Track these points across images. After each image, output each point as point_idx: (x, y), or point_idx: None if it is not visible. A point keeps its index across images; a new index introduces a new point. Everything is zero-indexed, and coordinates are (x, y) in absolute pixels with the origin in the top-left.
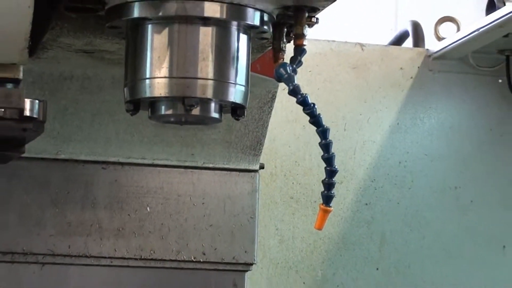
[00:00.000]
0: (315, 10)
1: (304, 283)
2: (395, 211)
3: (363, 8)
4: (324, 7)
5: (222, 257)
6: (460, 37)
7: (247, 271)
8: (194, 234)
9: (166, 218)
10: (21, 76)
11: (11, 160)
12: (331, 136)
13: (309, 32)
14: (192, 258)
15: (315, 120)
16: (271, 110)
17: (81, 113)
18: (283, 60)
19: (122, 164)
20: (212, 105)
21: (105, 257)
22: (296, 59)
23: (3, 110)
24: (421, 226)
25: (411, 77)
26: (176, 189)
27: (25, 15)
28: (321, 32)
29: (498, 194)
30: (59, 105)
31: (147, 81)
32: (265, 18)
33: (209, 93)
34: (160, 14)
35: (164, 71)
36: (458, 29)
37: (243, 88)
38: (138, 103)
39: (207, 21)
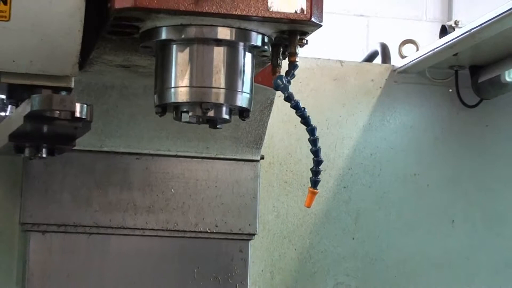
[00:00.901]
0: (305, 33)
1: (295, 249)
2: (367, 193)
3: (343, 33)
4: (312, 31)
5: (231, 229)
6: (418, 56)
7: (250, 239)
8: (208, 210)
9: (187, 198)
10: (72, 85)
11: (65, 152)
12: (316, 133)
13: (300, 51)
14: (207, 229)
15: (305, 120)
16: (270, 112)
17: (119, 115)
18: (280, 73)
19: (152, 155)
20: (224, 108)
21: (138, 229)
22: (290, 73)
23: (58, 112)
24: (387, 205)
25: (380, 87)
26: (194, 175)
27: (76, 37)
28: (309, 51)
29: (448, 179)
30: (102, 109)
31: (172, 89)
32: (266, 40)
33: (221, 99)
34: (183, 36)
35: (185, 81)
36: (417, 49)
37: (248, 95)
38: (165, 107)
39: (219, 42)
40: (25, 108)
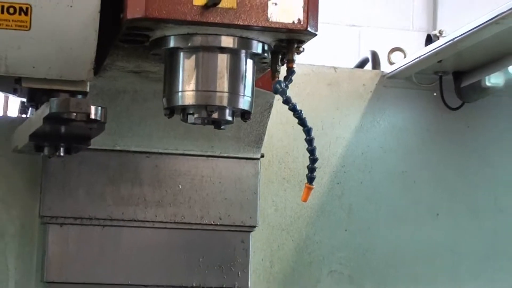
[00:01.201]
0: (302, 42)
1: (292, 240)
2: (359, 189)
3: (336, 42)
4: (308, 40)
5: (233, 221)
6: (406, 62)
7: (251, 231)
8: (213, 204)
9: (193, 193)
10: (88, 89)
11: (81, 151)
12: (312, 134)
13: (297, 58)
14: (212, 222)
15: (302, 122)
16: (269, 114)
17: (131, 117)
18: (278, 78)
19: (161, 153)
20: (227, 111)
21: (148, 221)
22: (288, 78)
23: (75, 114)
24: (378, 200)
25: (371, 91)
26: (200, 172)
27: (91, 46)
28: (305, 58)
29: (433, 176)
30: (115, 111)
31: (180, 93)
32: (266, 48)
33: (225, 102)
34: (189, 44)
35: (192, 86)
36: (405, 56)
37: (249, 99)
38: (173, 109)
39: (223, 50)
40: (44, 110)
